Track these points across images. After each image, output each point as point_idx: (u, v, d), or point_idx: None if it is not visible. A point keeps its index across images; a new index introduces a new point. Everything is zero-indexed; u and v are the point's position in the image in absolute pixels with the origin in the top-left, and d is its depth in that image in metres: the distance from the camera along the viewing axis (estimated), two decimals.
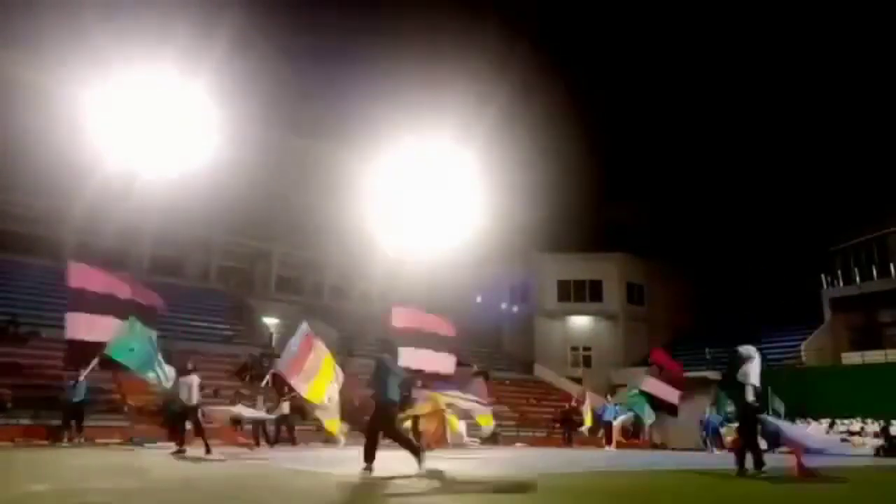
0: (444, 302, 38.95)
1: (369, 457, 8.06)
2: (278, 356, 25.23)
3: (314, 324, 30.55)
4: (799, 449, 9.27)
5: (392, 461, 9.58)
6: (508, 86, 33.45)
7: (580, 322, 38.59)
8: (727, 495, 6.97)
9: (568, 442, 24.68)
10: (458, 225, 29.36)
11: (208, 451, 12.28)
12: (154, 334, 16.70)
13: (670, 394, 21.34)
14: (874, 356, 25.95)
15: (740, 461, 8.87)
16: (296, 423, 18.92)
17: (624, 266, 38.50)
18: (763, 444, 13.92)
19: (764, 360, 9.97)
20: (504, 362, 34.75)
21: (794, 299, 33.41)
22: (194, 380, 13.40)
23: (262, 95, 30.55)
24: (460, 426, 15.74)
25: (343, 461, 10.74)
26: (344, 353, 27.92)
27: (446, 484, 7.19)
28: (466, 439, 17.16)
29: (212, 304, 30.81)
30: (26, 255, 27.78)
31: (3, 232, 28.28)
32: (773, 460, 9.19)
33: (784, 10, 34.80)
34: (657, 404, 21.59)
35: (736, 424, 11.68)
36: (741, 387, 9.03)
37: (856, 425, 22.53)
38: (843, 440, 20.95)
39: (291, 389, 15.59)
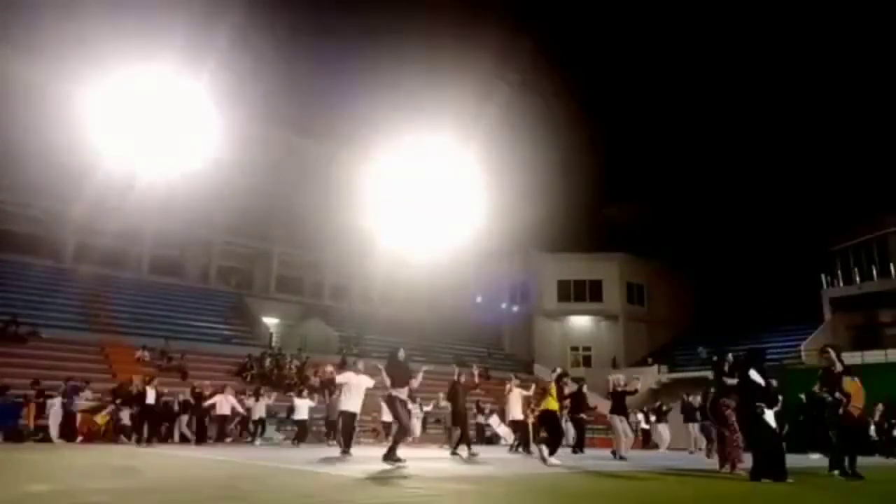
0: (444, 302, 39.08)
1: None
2: (280, 355, 25.48)
3: (314, 323, 30.80)
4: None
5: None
6: (508, 86, 33.46)
7: (580, 322, 38.60)
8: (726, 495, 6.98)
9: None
10: (458, 225, 29.34)
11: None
12: None
13: None
14: (874, 356, 25.94)
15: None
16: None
17: (624, 266, 38.51)
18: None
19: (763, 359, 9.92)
20: (504, 362, 34.73)
21: (794, 299, 33.42)
22: None
23: (262, 95, 30.55)
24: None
25: (342, 461, 10.74)
26: (343, 352, 27.98)
27: (448, 483, 7.20)
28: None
29: (212, 304, 30.84)
30: (26, 255, 27.80)
31: (3, 232, 28.30)
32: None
33: (784, 10, 34.80)
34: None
35: None
36: None
37: None
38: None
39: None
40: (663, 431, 22.00)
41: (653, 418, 23.72)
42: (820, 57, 34.31)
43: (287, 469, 8.84)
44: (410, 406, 19.74)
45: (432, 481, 7.40)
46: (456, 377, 14.15)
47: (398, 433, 10.01)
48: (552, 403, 11.57)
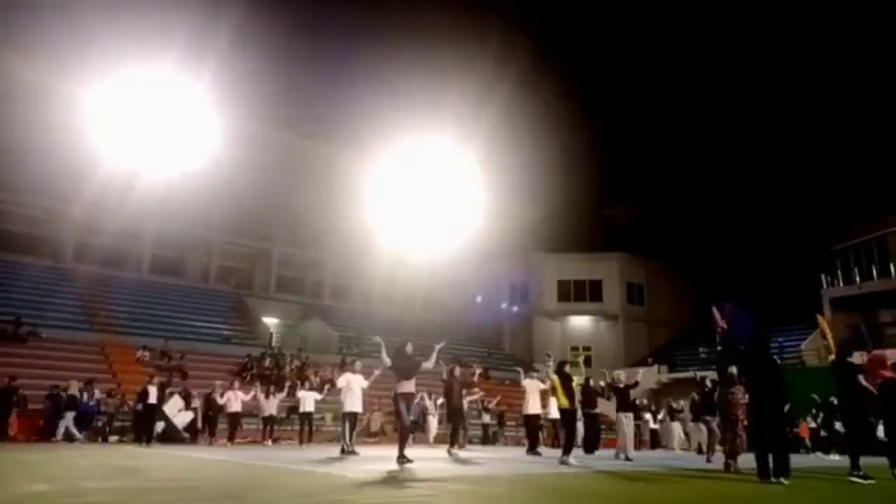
0: (444, 302, 39.08)
1: None
2: (280, 355, 25.48)
3: (314, 323, 30.76)
4: None
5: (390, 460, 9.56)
6: (508, 86, 33.48)
7: (580, 322, 38.60)
8: (726, 496, 6.97)
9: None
10: (458, 225, 29.34)
11: None
12: None
13: None
14: None
15: None
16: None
17: (624, 266, 38.53)
18: None
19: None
20: (504, 362, 34.74)
21: (794, 299, 33.40)
22: None
23: (262, 95, 30.56)
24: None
25: (342, 461, 10.74)
26: (343, 352, 27.98)
27: (448, 483, 7.19)
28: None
29: (212, 304, 30.83)
30: (26, 255, 27.80)
31: (3, 232, 28.30)
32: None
33: (783, 10, 34.80)
34: None
35: None
36: None
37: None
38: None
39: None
40: (675, 430, 21.74)
41: (661, 417, 23.41)
42: (820, 57, 34.33)
43: (287, 469, 8.84)
44: (427, 402, 19.72)
45: (432, 481, 7.39)
46: (448, 374, 13.95)
47: (399, 432, 10.00)
48: (563, 400, 11.18)
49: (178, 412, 17.84)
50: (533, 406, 14.58)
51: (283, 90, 32.07)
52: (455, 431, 13.63)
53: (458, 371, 14.19)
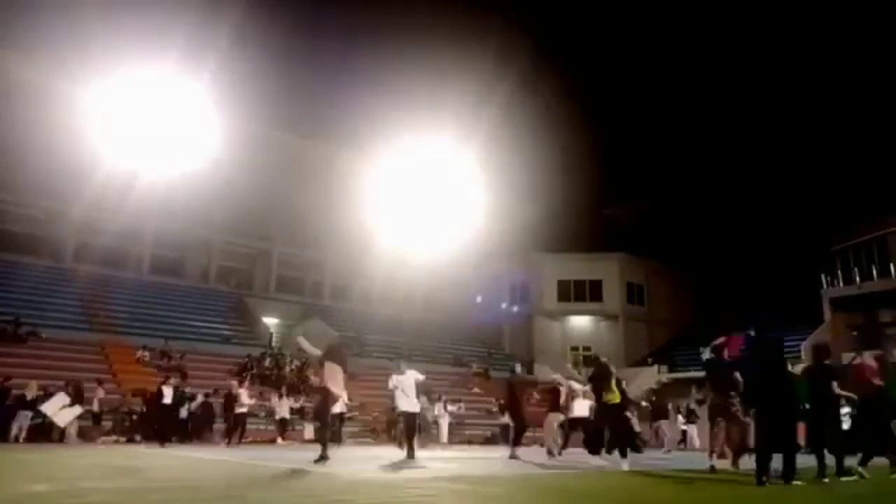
0: (444, 302, 39.08)
1: None
2: (280, 355, 25.49)
3: (314, 323, 30.74)
4: None
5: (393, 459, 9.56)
6: (508, 86, 33.48)
7: (580, 322, 38.59)
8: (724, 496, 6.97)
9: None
10: (458, 225, 29.33)
11: None
12: None
13: None
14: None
15: None
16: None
17: (624, 266, 38.52)
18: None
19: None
20: (504, 362, 34.73)
21: (794, 299, 33.38)
22: None
23: (262, 95, 30.56)
24: None
25: (343, 461, 10.74)
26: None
27: (447, 483, 7.19)
28: None
29: (212, 304, 30.83)
30: (26, 255, 27.80)
31: (3, 232, 28.29)
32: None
33: (783, 10, 34.81)
34: None
35: None
36: None
37: None
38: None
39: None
40: (692, 433, 21.47)
41: (681, 419, 22.94)
42: (820, 57, 34.33)
43: (287, 469, 8.84)
44: (438, 405, 19.40)
45: (431, 481, 7.40)
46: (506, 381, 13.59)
47: (319, 433, 9.88)
48: (614, 396, 10.80)
49: (59, 409, 16.51)
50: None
51: (283, 90, 32.08)
52: (519, 435, 13.18)
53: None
